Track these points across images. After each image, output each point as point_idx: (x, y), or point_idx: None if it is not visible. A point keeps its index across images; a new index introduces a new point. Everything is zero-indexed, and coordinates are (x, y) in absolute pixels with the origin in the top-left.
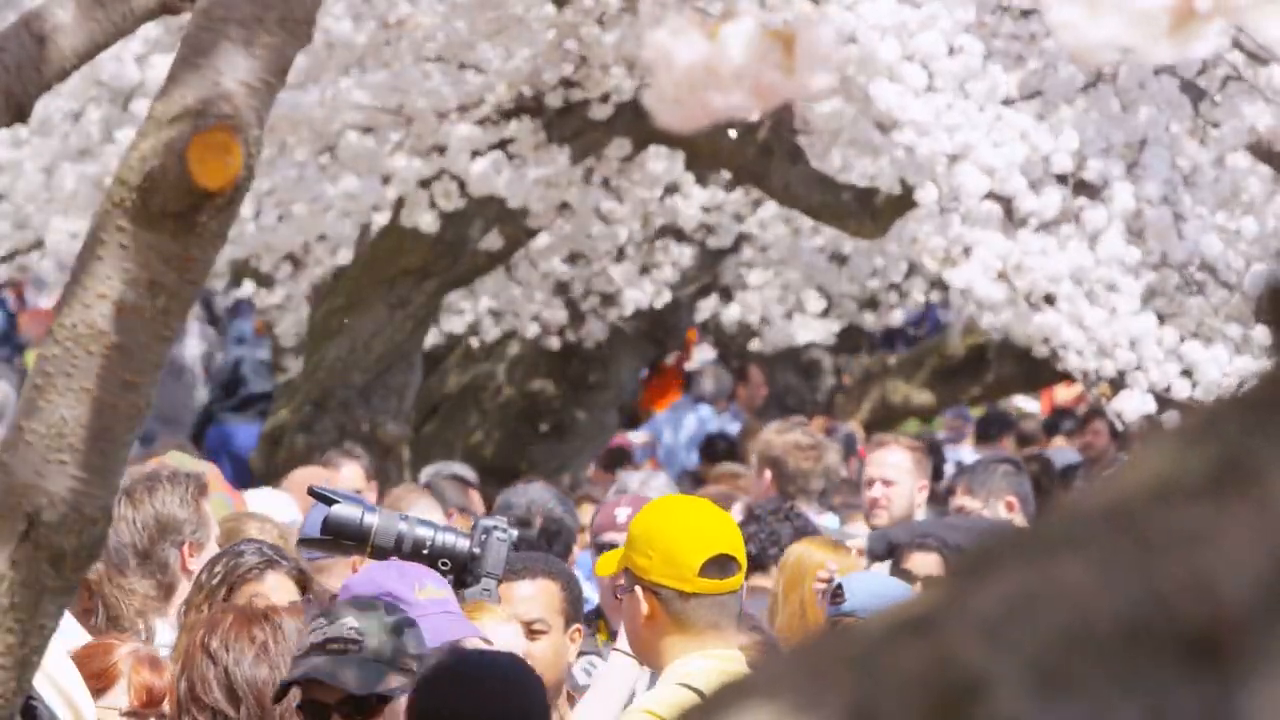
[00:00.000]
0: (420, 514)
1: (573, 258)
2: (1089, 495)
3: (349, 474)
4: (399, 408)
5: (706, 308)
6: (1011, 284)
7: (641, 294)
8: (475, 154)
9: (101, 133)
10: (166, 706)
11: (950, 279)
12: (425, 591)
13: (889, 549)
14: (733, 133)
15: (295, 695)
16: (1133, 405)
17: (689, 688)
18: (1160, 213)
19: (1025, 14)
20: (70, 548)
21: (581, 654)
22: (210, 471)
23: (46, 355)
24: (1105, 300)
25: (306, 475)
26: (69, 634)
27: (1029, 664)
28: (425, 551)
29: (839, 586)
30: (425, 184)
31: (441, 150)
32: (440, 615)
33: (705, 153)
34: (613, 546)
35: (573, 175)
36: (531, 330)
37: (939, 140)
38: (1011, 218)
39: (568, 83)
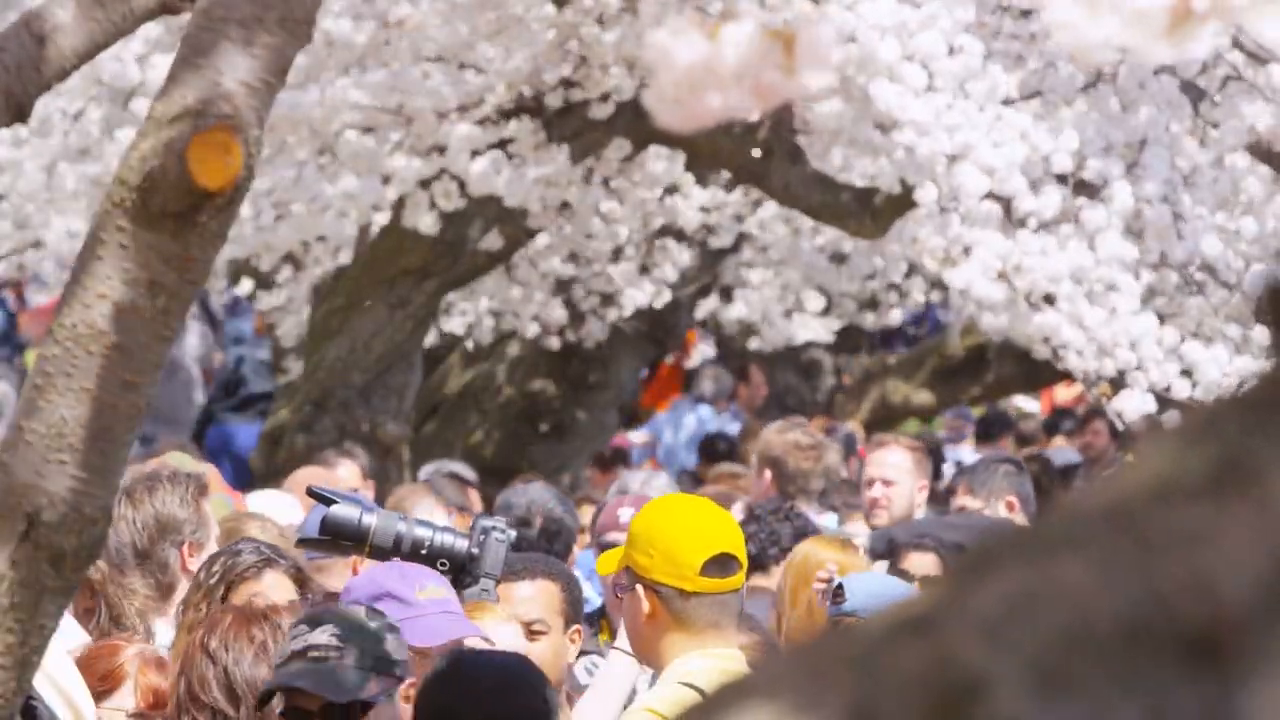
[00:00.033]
0: (424, 514)
1: (573, 258)
2: (1089, 495)
3: (345, 473)
4: (399, 408)
5: (706, 307)
6: (1011, 284)
7: (641, 294)
8: (475, 154)
9: (102, 132)
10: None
11: (950, 279)
12: (426, 592)
13: (890, 548)
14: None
15: (279, 702)
16: (1133, 405)
17: (690, 686)
18: (1160, 212)
19: (1025, 14)
20: (70, 548)
21: (583, 654)
22: (209, 473)
23: (46, 355)
24: (1105, 300)
25: (308, 475)
26: (69, 634)
27: (1029, 664)
28: (424, 552)
29: (839, 586)
30: (425, 184)
31: (441, 150)
32: (441, 615)
33: (705, 153)
34: (616, 546)
35: (573, 175)
36: (531, 330)
37: (939, 140)
38: (1011, 218)
39: (568, 83)
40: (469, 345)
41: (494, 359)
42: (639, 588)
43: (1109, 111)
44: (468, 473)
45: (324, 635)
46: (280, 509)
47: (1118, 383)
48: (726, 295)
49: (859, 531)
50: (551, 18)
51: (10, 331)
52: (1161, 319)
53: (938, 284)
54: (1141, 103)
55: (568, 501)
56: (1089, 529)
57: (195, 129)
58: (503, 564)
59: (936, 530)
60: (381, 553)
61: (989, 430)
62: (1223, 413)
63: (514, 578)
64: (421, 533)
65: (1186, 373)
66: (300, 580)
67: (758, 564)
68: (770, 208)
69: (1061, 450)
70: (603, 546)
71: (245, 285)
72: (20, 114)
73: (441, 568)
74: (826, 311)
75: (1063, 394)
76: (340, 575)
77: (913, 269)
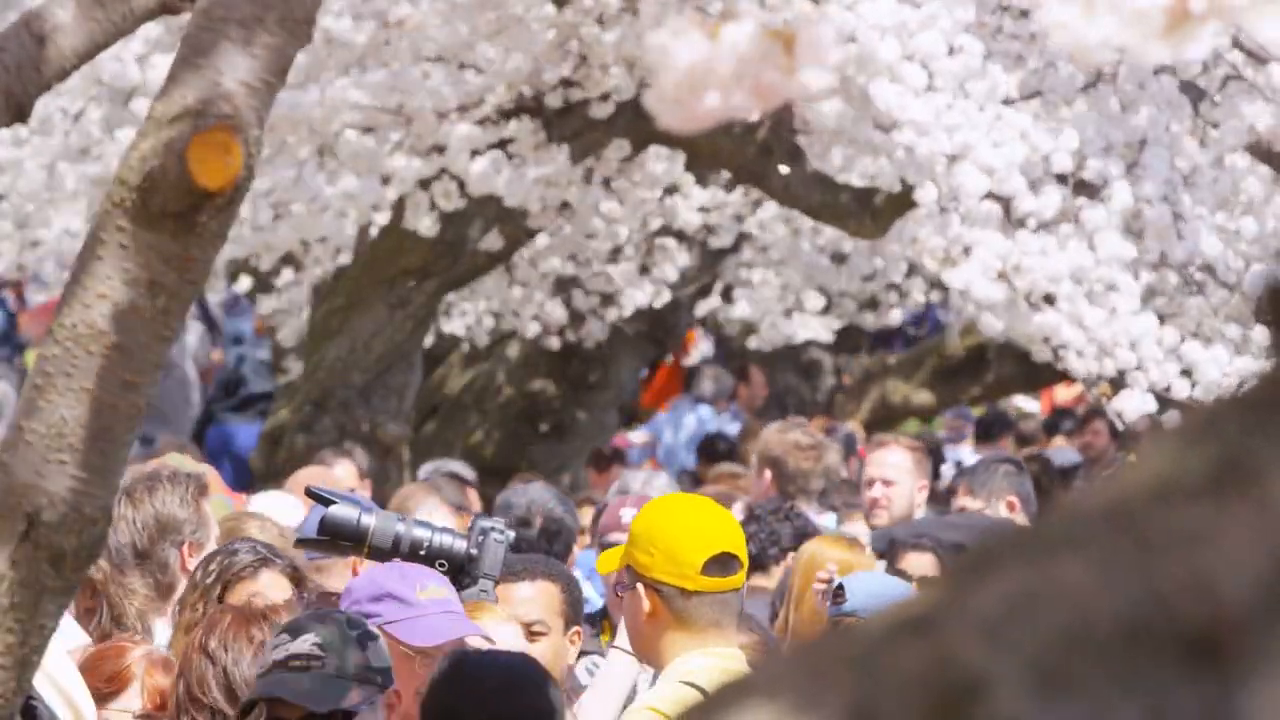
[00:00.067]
0: (427, 514)
1: (573, 258)
2: (1089, 495)
3: (342, 472)
4: (399, 408)
5: (706, 307)
6: (1011, 284)
7: (641, 294)
8: (475, 154)
9: (102, 132)
10: None
11: (949, 280)
12: (427, 592)
13: (890, 549)
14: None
15: (261, 712)
16: (1133, 405)
17: (692, 685)
18: (1160, 212)
19: (1025, 14)
20: (70, 548)
21: (584, 654)
22: (209, 475)
23: (46, 355)
24: (1105, 300)
25: (309, 475)
26: (69, 634)
27: (1029, 664)
28: (422, 552)
29: (839, 587)
30: (425, 184)
31: (441, 150)
32: (442, 615)
33: (705, 153)
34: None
35: (573, 175)
36: (532, 330)
37: (939, 140)
38: (1010, 218)
39: (568, 83)
40: (465, 347)
41: (494, 359)
42: (640, 586)
43: (1109, 111)
44: (467, 472)
45: (305, 645)
46: (283, 510)
47: (1118, 383)
48: (726, 295)
49: (858, 531)
50: (551, 18)
51: (10, 331)
52: (1161, 319)
53: (937, 284)
54: (1141, 103)
55: (568, 501)
56: (1089, 529)
57: (195, 129)
58: (501, 564)
59: (935, 530)
60: (380, 553)
61: (989, 430)
62: (1223, 413)
63: (514, 579)
64: (420, 533)
65: (1186, 373)
66: (296, 579)
67: (758, 564)
68: (770, 208)
69: (1061, 450)
70: (605, 547)
71: (244, 282)
72: (20, 114)
73: (440, 568)
74: (826, 311)
75: (1063, 394)
76: (340, 576)
77: (913, 269)
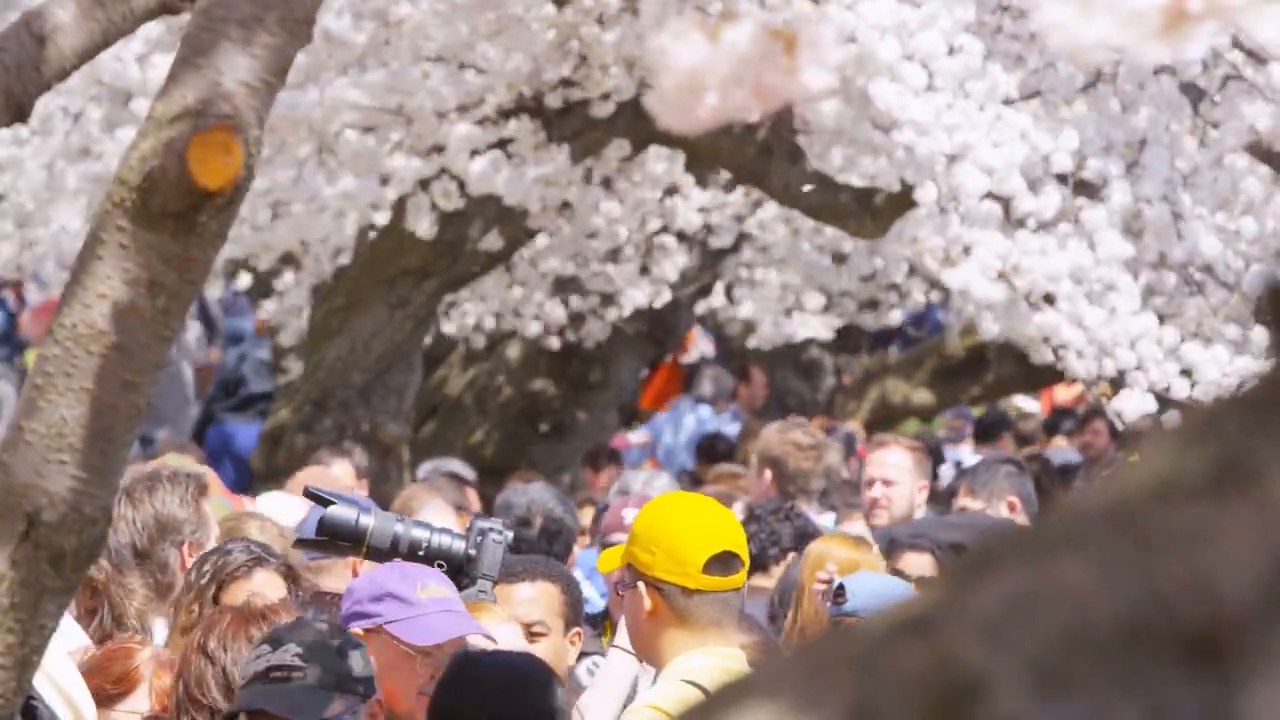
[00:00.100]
0: (431, 515)
1: (573, 257)
2: (1089, 495)
3: (339, 472)
4: (399, 408)
5: (707, 306)
6: (1011, 284)
7: (641, 294)
8: (474, 153)
9: (102, 131)
10: None
11: (947, 280)
12: (428, 591)
13: (890, 548)
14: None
15: None
16: (1133, 405)
17: (693, 684)
18: (1159, 212)
19: (1025, 13)
20: (70, 548)
21: (585, 655)
22: (208, 477)
23: (46, 355)
24: (1105, 300)
25: (310, 476)
26: (69, 635)
27: (1029, 664)
28: (421, 553)
29: (840, 587)
30: (425, 184)
31: (441, 150)
32: (443, 614)
33: (705, 153)
34: None
35: (572, 175)
36: (532, 329)
37: (939, 140)
38: (1010, 218)
39: (568, 83)
40: (465, 347)
41: (494, 359)
42: (640, 585)
43: (1109, 111)
44: (466, 472)
45: (286, 655)
46: (287, 510)
47: (1118, 383)
48: (727, 295)
49: (856, 532)
50: (551, 18)
51: (10, 331)
52: (1161, 319)
53: (937, 284)
54: (1141, 103)
55: (568, 501)
56: (1089, 529)
57: (195, 129)
58: (500, 565)
59: (934, 530)
60: (379, 554)
61: (988, 430)
62: (1223, 413)
63: (514, 579)
64: (419, 534)
65: (1186, 373)
66: (290, 578)
67: (758, 564)
68: (770, 208)
69: (1061, 450)
70: (607, 548)
71: (244, 279)
72: (20, 114)
73: (439, 569)
74: (826, 309)
75: (1063, 394)
76: (340, 576)
77: (913, 269)
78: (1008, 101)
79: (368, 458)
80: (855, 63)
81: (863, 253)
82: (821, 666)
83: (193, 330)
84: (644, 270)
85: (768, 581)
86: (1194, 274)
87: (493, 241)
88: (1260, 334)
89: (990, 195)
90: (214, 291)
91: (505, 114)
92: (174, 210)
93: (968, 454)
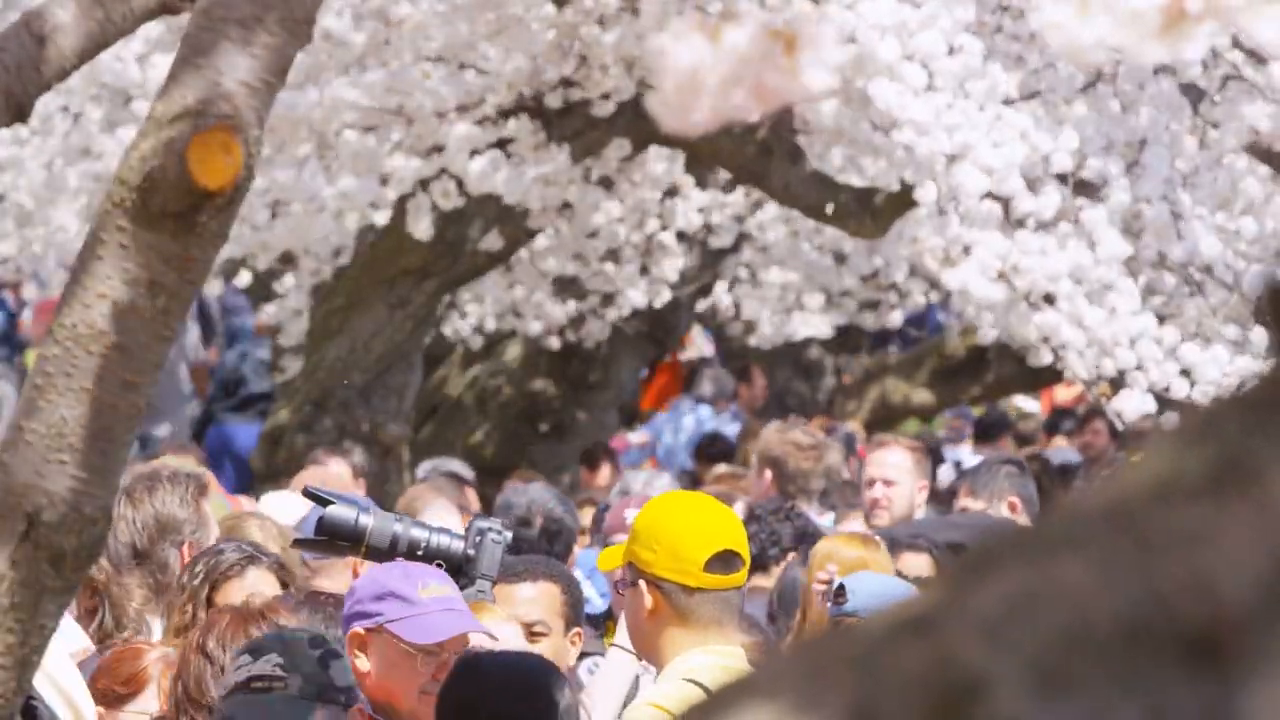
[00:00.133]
0: (435, 515)
1: (574, 257)
2: (1089, 495)
3: (336, 471)
4: (399, 408)
5: (707, 305)
6: (1011, 284)
7: (641, 294)
8: (474, 153)
9: (102, 132)
10: None
11: (946, 281)
12: (429, 589)
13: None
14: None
15: None
16: (1132, 405)
17: (695, 683)
18: (1159, 211)
19: (1025, 14)
20: (70, 548)
21: (586, 655)
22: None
23: (46, 355)
24: (1105, 300)
25: (311, 476)
26: (69, 635)
27: (1029, 664)
28: (420, 553)
29: (840, 587)
30: (424, 184)
31: (440, 150)
32: (444, 612)
33: (705, 153)
34: None
35: (572, 175)
36: (534, 328)
37: (938, 140)
38: (1010, 218)
39: (568, 83)
40: (462, 347)
41: (494, 359)
42: (641, 583)
43: (1109, 111)
44: (466, 472)
45: (267, 666)
46: (291, 510)
47: (1118, 383)
48: (730, 290)
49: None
50: (551, 18)
51: (10, 331)
52: (1160, 319)
53: (938, 284)
54: (1141, 103)
55: (568, 501)
56: (1089, 529)
57: (195, 129)
58: (499, 565)
59: (933, 530)
60: (378, 553)
61: (988, 430)
62: (1223, 413)
63: (515, 579)
64: (417, 534)
65: (1186, 373)
66: (283, 577)
67: (758, 564)
68: (770, 208)
69: (1061, 450)
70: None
71: (244, 276)
72: (20, 114)
73: (438, 569)
74: (826, 310)
75: (1063, 394)
76: (340, 576)
77: (913, 269)
78: (1008, 101)
79: (367, 458)
80: (855, 63)
81: (863, 253)
82: (821, 666)
83: (192, 331)
84: (644, 270)
85: (767, 581)
86: (1194, 274)
87: (493, 241)
88: (1260, 334)
89: (990, 195)
90: (213, 289)
91: (505, 114)
92: (174, 210)
93: (968, 454)
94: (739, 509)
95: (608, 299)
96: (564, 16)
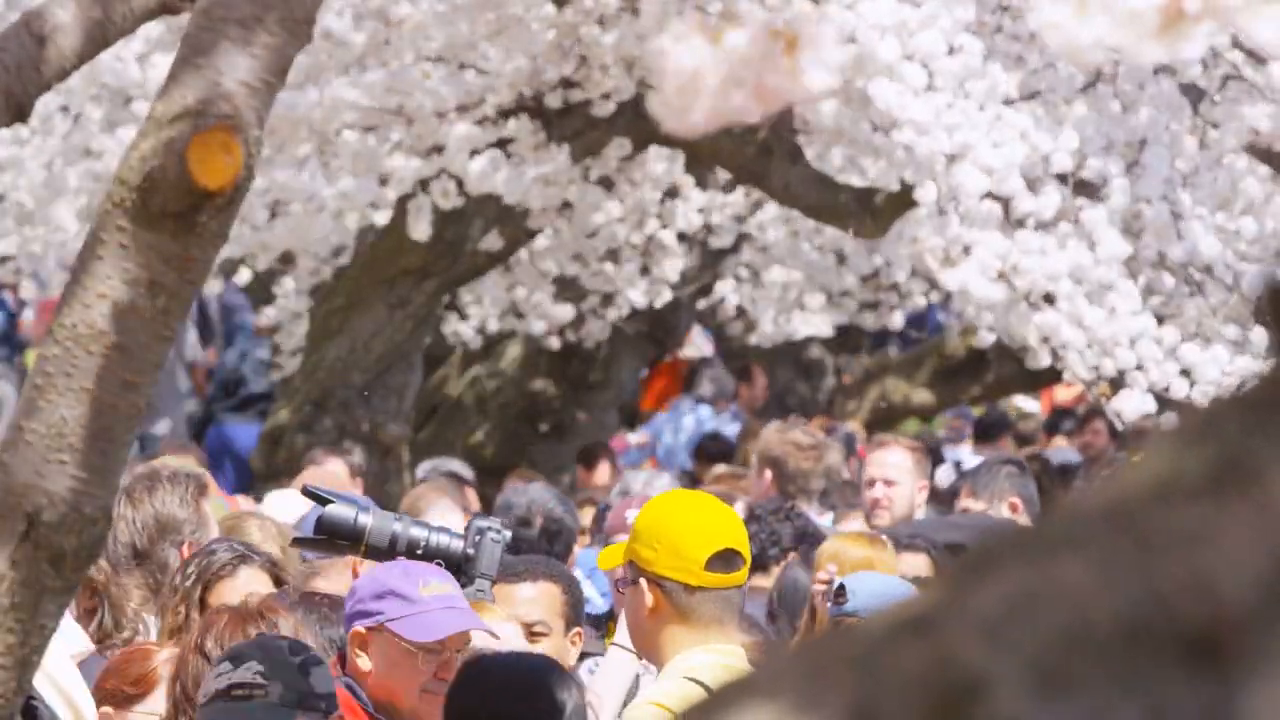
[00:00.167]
0: (438, 515)
1: (574, 257)
2: (1089, 495)
3: (333, 470)
4: (399, 408)
5: (707, 304)
6: (1011, 284)
7: (641, 294)
8: (474, 153)
9: (102, 131)
10: None
11: (947, 280)
12: (430, 588)
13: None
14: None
15: None
16: (1132, 405)
17: (695, 681)
18: (1159, 211)
19: (1025, 14)
20: (70, 548)
21: (587, 655)
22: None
23: (46, 355)
24: (1104, 300)
25: (311, 476)
26: (70, 637)
27: (1029, 664)
28: (419, 552)
29: (841, 587)
30: (424, 184)
31: (440, 150)
32: (445, 610)
33: (705, 153)
34: None
35: (572, 175)
36: (537, 327)
37: (938, 140)
38: (1010, 218)
39: (568, 83)
40: (462, 348)
41: (494, 359)
42: (642, 582)
43: (1109, 111)
44: (465, 471)
45: (247, 673)
46: (294, 509)
47: (1118, 383)
48: (734, 285)
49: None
50: (551, 18)
51: (10, 331)
52: (1160, 319)
53: (938, 284)
54: (1141, 103)
55: (568, 501)
56: (1089, 529)
57: (195, 129)
58: (498, 564)
59: (932, 531)
60: (377, 553)
61: (988, 430)
62: (1223, 413)
63: (515, 579)
64: (417, 533)
65: (1185, 373)
66: (276, 576)
67: (758, 564)
68: (770, 208)
69: (1061, 450)
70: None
71: (244, 274)
72: (20, 114)
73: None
74: (826, 310)
75: (1063, 394)
76: (340, 575)
77: (914, 269)
78: (1008, 101)
79: (367, 458)
80: (855, 63)
81: (863, 253)
82: (821, 666)
83: (191, 331)
84: (644, 270)
85: (767, 581)
86: (1194, 274)
87: (493, 241)
88: (1260, 334)
89: (990, 195)
90: (213, 288)
91: (505, 114)
92: (174, 210)
93: (968, 454)
94: (739, 509)
95: (608, 299)
96: (564, 16)
